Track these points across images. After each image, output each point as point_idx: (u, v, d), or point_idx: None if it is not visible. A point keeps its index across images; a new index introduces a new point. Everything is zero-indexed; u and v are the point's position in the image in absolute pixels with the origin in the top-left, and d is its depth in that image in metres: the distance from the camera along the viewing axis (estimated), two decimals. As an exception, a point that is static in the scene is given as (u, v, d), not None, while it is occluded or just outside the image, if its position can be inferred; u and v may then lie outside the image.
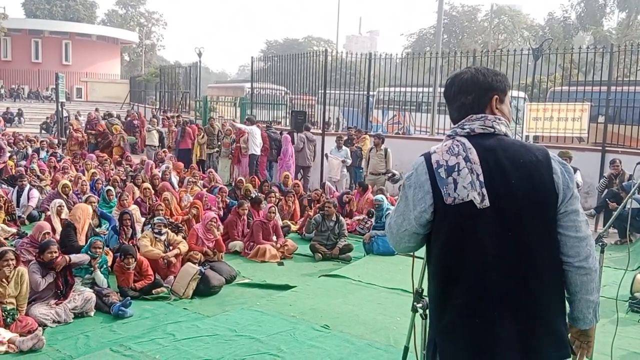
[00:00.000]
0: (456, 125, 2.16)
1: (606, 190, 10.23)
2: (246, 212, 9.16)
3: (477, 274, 1.99)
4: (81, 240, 7.53)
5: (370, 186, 11.27)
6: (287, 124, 16.32)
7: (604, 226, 5.74)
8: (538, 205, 2.02)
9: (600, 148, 12.08)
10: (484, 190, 1.99)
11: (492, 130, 2.10)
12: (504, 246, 1.99)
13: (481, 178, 2.00)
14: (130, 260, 6.60)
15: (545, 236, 2.04)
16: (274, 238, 8.84)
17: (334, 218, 8.99)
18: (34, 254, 6.54)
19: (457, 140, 2.09)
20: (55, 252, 6.02)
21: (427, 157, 2.09)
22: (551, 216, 2.05)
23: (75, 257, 6.24)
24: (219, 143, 15.56)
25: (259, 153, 14.09)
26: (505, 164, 2.03)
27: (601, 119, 13.02)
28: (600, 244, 3.98)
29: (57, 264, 5.94)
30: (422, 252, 2.27)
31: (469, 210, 1.99)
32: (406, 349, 3.00)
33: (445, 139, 2.16)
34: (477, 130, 2.10)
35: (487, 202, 1.98)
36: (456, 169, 2.01)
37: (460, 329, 2.02)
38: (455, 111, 2.20)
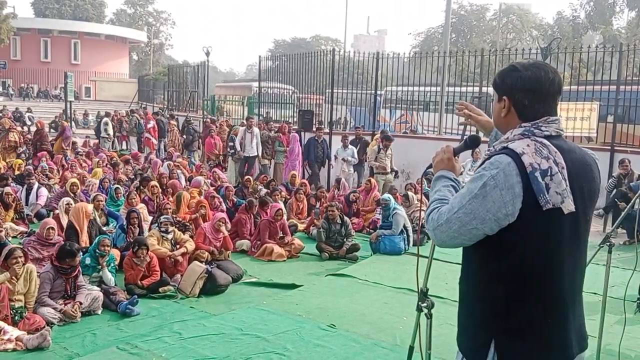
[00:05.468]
0: (529, 124, 2.07)
1: (615, 190, 10.17)
2: (255, 210, 9.22)
3: (554, 277, 2.02)
4: (83, 241, 7.54)
5: (375, 185, 11.21)
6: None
7: (612, 226, 5.70)
8: (591, 208, 2.12)
9: (609, 148, 11.99)
10: (572, 196, 1.98)
11: (561, 132, 2.10)
12: (573, 249, 2.05)
13: (568, 183, 1.98)
14: (144, 251, 6.64)
15: (587, 236, 2.14)
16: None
17: (338, 220, 8.94)
18: (44, 252, 6.57)
19: (539, 142, 2.01)
20: (75, 263, 6.01)
21: (516, 158, 1.96)
22: (591, 217, 2.17)
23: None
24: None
25: (255, 154, 14.07)
26: (579, 167, 2.05)
27: (610, 118, 12.92)
28: (608, 244, 3.97)
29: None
30: (425, 251, 2.24)
31: (556, 216, 1.96)
32: (411, 349, 2.99)
33: (518, 137, 2.05)
34: (552, 133, 2.06)
35: (573, 208, 1.98)
36: (549, 174, 1.94)
37: (536, 329, 2.02)
38: (540, 108, 2.08)
